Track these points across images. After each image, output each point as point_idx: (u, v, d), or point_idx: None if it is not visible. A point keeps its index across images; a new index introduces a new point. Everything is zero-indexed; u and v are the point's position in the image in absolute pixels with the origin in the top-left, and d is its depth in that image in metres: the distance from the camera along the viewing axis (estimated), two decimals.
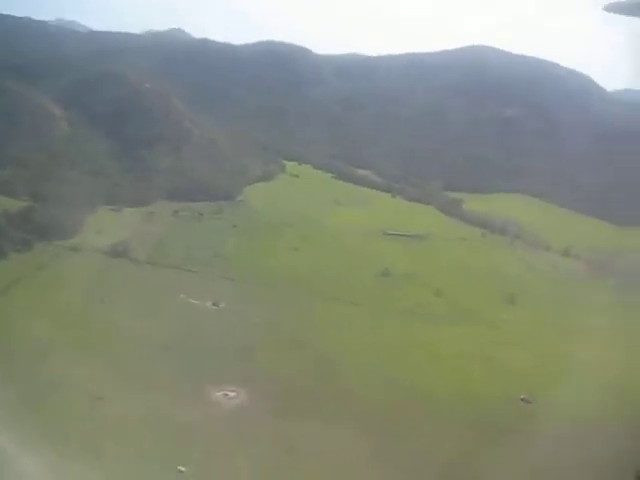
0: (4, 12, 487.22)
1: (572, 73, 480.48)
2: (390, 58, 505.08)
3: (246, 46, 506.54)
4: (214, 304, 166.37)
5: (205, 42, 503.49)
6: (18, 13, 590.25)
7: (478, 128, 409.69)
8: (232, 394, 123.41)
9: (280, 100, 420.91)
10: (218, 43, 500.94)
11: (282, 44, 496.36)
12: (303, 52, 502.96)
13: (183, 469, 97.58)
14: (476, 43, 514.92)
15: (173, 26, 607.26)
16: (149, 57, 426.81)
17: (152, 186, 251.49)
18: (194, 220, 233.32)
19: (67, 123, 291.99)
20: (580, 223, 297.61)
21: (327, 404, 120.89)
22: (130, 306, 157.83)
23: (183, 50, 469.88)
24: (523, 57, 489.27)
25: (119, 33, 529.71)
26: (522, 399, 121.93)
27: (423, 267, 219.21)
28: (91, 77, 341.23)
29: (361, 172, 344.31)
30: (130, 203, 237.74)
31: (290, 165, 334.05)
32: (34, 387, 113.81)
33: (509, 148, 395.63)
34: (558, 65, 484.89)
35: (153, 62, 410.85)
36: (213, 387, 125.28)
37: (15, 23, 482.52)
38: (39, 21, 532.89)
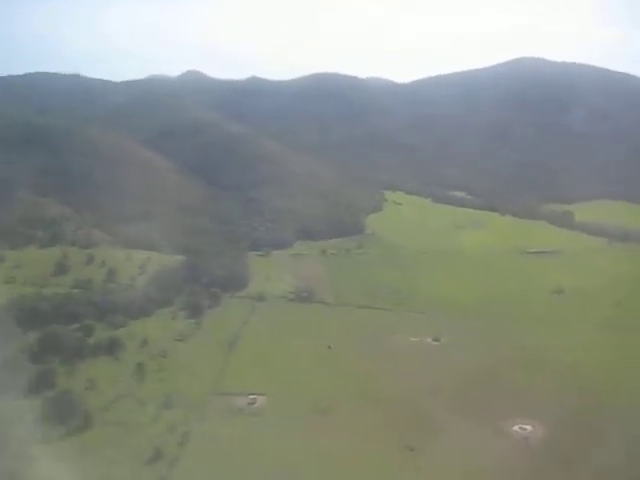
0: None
1: (626, 76, 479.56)
2: (438, 79, 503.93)
3: (296, 81, 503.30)
4: (435, 340, 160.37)
5: (254, 80, 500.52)
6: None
7: (547, 139, 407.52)
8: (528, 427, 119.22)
9: (347, 131, 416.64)
10: (267, 80, 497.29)
11: (334, 75, 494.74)
12: (355, 81, 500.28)
13: None
14: (522, 55, 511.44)
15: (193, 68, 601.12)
16: (204, 100, 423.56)
17: (284, 228, 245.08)
18: (343, 257, 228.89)
19: (173, 173, 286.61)
20: None
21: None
22: (358, 349, 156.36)
23: (235, 90, 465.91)
24: (574, 65, 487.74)
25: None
26: None
27: (584, 280, 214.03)
28: (175, 126, 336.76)
29: (457, 194, 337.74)
30: (272, 246, 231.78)
31: (386, 193, 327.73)
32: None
33: (581, 155, 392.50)
34: (610, 70, 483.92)
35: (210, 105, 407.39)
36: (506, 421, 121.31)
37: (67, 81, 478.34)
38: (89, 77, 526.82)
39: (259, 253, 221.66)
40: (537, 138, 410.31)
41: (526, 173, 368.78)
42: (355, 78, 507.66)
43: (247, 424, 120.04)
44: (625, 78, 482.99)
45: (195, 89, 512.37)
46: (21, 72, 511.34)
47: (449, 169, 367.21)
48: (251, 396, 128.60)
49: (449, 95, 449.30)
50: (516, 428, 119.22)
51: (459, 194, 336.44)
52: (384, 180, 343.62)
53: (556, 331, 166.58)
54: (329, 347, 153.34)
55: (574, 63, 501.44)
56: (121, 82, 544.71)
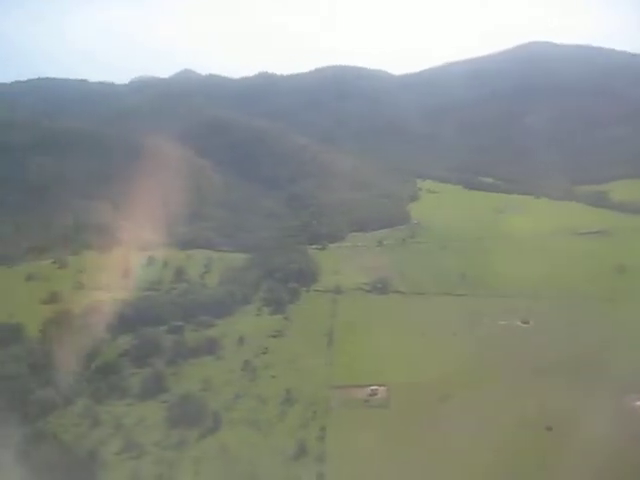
0: None
1: (634, 56, 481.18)
2: (449, 66, 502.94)
3: (307, 74, 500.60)
4: (524, 322, 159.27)
5: (266, 75, 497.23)
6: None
7: (563, 121, 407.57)
8: None
9: (364, 122, 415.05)
10: (277, 75, 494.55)
11: (344, 67, 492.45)
12: (365, 72, 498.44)
13: None
14: (531, 40, 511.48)
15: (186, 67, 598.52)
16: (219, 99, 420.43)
17: (334, 221, 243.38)
18: (400, 247, 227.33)
19: (212, 172, 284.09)
20: None
21: None
22: (453, 335, 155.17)
23: (246, 86, 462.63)
24: (582, 47, 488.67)
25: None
26: None
27: None
28: (205, 124, 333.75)
29: (486, 180, 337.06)
30: (327, 240, 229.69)
31: (419, 182, 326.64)
32: None
33: (600, 136, 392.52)
34: (615, 50, 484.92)
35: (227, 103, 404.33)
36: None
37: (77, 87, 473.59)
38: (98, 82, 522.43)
39: (317, 247, 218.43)
40: (553, 121, 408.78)
41: (548, 156, 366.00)
42: (365, 69, 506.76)
43: (376, 415, 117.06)
44: (633, 57, 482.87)
45: (193, 88, 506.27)
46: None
47: (472, 156, 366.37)
48: (372, 387, 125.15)
49: (460, 83, 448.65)
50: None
51: (488, 180, 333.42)
52: (410, 169, 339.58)
53: (636, 307, 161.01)
54: (423, 335, 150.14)
55: (582, 45, 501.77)
56: (126, 84, 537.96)
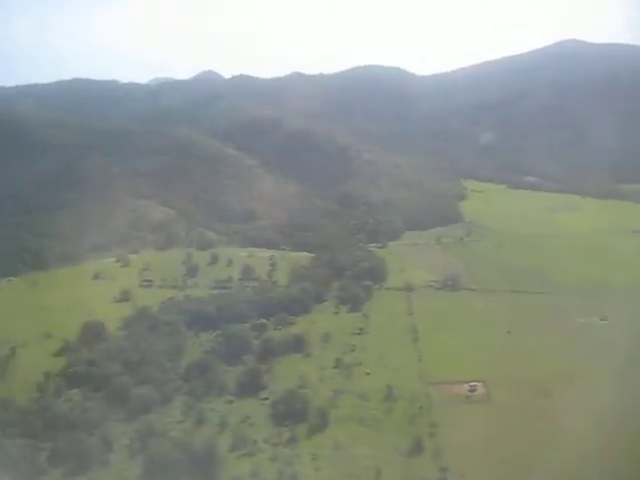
0: None
1: None
2: (482, 66, 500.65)
3: (338, 74, 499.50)
4: (602, 319, 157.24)
5: (297, 76, 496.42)
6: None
7: (599, 119, 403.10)
8: None
9: (398, 121, 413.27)
10: (309, 75, 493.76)
11: (376, 67, 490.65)
12: (398, 72, 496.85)
13: None
14: (562, 38, 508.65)
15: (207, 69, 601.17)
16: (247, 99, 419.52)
17: (389, 219, 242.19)
18: (459, 245, 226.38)
19: (261, 170, 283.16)
20: None
21: None
22: (535, 333, 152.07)
23: (279, 86, 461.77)
24: (615, 45, 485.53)
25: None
26: None
27: None
28: (244, 124, 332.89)
29: (529, 179, 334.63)
30: (386, 238, 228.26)
31: (461, 182, 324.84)
32: None
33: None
34: None
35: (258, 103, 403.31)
36: None
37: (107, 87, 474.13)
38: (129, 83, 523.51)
39: (377, 245, 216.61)
40: (590, 119, 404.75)
41: (589, 154, 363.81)
42: (398, 69, 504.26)
43: (480, 411, 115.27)
44: None
45: (222, 89, 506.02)
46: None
47: (512, 155, 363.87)
48: (471, 384, 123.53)
49: (494, 81, 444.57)
50: None
51: (531, 179, 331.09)
52: (451, 168, 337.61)
53: None
54: (508, 332, 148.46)
55: (615, 44, 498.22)
56: (155, 85, 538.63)
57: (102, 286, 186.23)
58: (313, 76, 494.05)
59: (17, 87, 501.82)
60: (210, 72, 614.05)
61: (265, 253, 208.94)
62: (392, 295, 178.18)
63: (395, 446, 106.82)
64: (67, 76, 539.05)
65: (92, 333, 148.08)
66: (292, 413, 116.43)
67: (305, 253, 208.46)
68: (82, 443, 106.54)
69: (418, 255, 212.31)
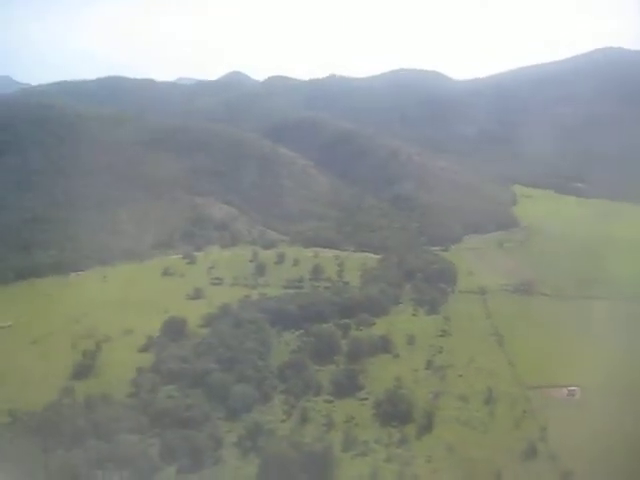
0: None
1: None
2: (515, 72, 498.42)
3: (375, 77, 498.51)
4: None
5: (333, 78, 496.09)
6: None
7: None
8: None
9: (438, 125, 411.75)
10: (347, 78, 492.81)
11: (414, 71, 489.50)
12: (435, 76, 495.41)
13: None
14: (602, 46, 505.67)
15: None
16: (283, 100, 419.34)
17: (447, 223, 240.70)
18: (520, 249, 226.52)
19: (314, 170, 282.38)
20: None
21: None
22: (622, 339, 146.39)
23: (317, 89, 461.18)
24: None
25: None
26: None
27: None
28: (293, 124, 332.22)
29: (576, 185, 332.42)
30: (447, 241, 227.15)
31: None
32: None
33: None
34: None
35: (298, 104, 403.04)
36: None
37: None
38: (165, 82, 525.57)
39: (440, 248, 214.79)
40: (627, 125, 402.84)
41: (631, 160, 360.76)
42: (434, 72, 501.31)
43: (583, 415, 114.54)
44: None
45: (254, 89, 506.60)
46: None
47: (557, 160, 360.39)
48: (570, 388, 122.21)
49: (533, 87, 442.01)
50: None
51: (578, 185, 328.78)
52: (496, 173, 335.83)
53: None
54: (591, 337, 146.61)
55: None
56: (194, 84, 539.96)
57: (172, 282, 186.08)
58: (350, 78, 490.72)
59: (56, 84, 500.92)
60: (238, 73, 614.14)
61: (329, 253, 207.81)
62: (466, 298, 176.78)
63: (508, 449, 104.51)
64: (100, 74, 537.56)
65: (175, 329, 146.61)
66: (397, 414, 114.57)
67: (369, 254, 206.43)
68: (192, 440, 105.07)
69: (482, 259, 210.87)
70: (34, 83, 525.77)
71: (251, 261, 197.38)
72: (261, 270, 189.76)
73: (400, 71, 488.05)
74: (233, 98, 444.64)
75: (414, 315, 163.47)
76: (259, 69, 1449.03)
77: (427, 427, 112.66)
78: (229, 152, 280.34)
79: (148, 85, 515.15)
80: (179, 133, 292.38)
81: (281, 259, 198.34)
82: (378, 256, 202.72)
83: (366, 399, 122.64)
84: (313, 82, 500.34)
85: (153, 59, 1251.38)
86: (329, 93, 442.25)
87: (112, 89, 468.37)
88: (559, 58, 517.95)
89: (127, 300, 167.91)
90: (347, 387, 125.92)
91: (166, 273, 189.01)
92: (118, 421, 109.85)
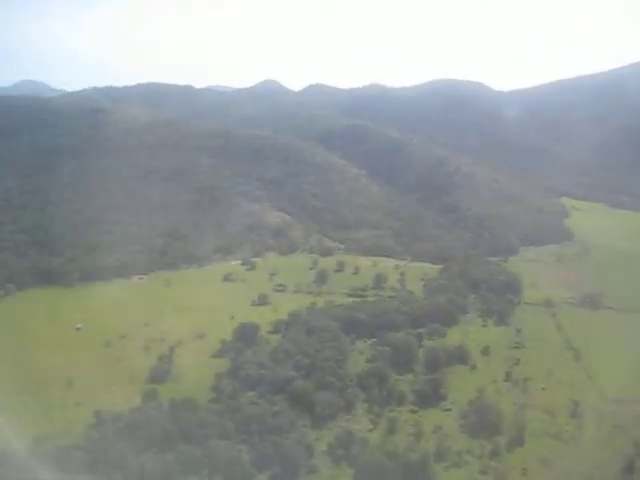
0: None
1: None
2: (559, 84, 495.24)
3: (415, 87, 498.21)
4: None
5: (374, 87, 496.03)
6: None
7: None
8: None
9: (478, 136, 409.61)
10: (387, 87, 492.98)
11: (456, 81, 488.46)
12: (475, 86, 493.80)
13: None
14: None
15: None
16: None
17: (502, 234, 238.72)
18: (580, 263, 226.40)
19: (369, 180, 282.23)
20: None
21: None
22: None
23: (356, 97, 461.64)
24: None
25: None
26: None
27: None
28: (338, 132, 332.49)
29: (624, 198, 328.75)
30: (506, 252, 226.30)
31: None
32: None
33: None
34: None
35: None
36: None
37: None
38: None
39: (498, 259, 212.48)
40: None
41: None
42: (476, 83, 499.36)
43: None
44: None
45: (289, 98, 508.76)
46: None
47: (602, 173, 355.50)
48: None
49: (573, 99, 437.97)
50: None
51: (627, 199, 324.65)
52: (544, 185, 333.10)
53: None
54: None
55: None
56: (232, 91, 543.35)
57: (235, 288, 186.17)
58: (391, 88, 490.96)
59: (96, 89, 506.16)
60: (272, 81, 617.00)
61: (387, 262, 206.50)
62: (533, 310, 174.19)
63: (605, 465, 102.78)
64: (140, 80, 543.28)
65: (247, 335, 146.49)
66: (485, 425, 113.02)
67: (428, 264, 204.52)
68: (283, 447, 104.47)
69: (542, 271, 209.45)
70: (69, 89, 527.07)
71: (311, 268, 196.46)
72: (323, 278, 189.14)
73: (441, 81, 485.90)
74: (271, 105, 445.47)
75: (484, 326, 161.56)
76: (291, 78, 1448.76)
77: (518, 440, 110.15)
78: (279, 158, 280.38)
79: (187, 91, 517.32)
80: (227, 138, 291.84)
81: (341, 267, 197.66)
82: (437, 266, 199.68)
83: (449, 410, 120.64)
84: (353, 91, 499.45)
85: (176, 67, 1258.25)
86: (370, 102, 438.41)
87: (152, 95, 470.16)
88: (603, 69, 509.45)
89: (193, 305, 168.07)
90: (430, 397, 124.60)
91: (227, 279, 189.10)
92: (205, 426, 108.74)
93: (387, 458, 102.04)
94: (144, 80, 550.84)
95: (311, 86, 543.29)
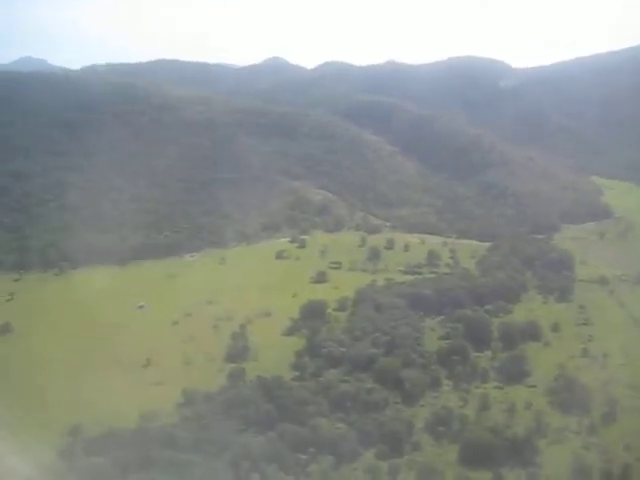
0: None
1: None
2: (576, 61, 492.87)
3: (433, 64, 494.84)
4: None
5: (391, 64, 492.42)
6: None
7: None
8: None
9: (499, 113, 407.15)
10: (404, 64, 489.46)
11: (474, 58, 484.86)
12: (494, 64, 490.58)
13: None
14: None
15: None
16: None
17: (543, 212, 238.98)
18: (623, 240, 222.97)
19: (404, 158, 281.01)
20: None
21: None
22: None
23: (375, 74, 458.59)
24: None
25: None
26: None
27: None
28: (365, 108, 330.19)
29: None
30: (549, 230, 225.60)
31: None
32: None
33: None
34: None
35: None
36: None
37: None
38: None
39: (543, 237, 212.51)
40: None
41: None
42: (494, 60, 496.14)
43: None
44: None
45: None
46: None
47: (626, 151, 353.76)
48: None
49: (593, 77, 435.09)
50: None
51: None
52: (570, 163, 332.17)
53: None
54: None
55: None
56: (240, 69, 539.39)
57: (290, 266, 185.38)
58: (408, 65, 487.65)
59: (110, 65, 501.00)
60: (277, 58, 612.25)
61: (434, 239, 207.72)
62: (589, 287, 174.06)
63: None
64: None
65: (315, 313, 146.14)
66: (574, 402, 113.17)
67: (475, 241, 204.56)
68: (384, 425, 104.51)
69: (588, 248, 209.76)
70: (70, 67, 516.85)
71: (360, 246, 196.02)
72: (375, 255, 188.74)
73: (458, 58, 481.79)
74: (283, 82, 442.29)
75: (544, 303, 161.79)
76: (303, 56, 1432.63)
77: (611, 416, 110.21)
78: (315, 136, 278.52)
79: (202, 68, 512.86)
80: (261, 115, 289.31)
81: (391, 244, 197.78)
82: (485, 243, 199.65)
83: (534, 386, 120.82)
84: (370, 68, 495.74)
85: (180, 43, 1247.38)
86: (387, 79, 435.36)
87: (167, 71, 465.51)
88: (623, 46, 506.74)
89: (252, 282, 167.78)
90: (513, 374, 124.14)
91: (280, 256, 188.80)
92: (304, 404, 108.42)
93: (492, 434, 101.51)
94: (144, 59, 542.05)
95: (327, 63, 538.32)
